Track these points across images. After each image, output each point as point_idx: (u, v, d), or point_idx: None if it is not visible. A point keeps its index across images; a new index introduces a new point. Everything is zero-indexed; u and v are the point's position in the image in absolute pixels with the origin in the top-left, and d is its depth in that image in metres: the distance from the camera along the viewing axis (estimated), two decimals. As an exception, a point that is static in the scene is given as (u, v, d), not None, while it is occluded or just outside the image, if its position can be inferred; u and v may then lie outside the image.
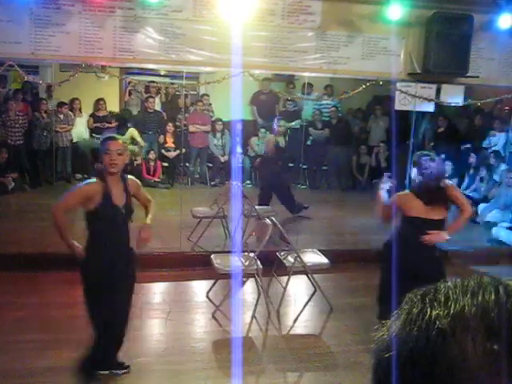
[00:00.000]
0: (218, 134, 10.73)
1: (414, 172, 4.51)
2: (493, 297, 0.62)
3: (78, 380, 3.88)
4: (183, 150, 9.92)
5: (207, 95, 10.98)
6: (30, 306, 5.23)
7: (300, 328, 5.31)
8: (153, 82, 10.06)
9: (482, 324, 0.60)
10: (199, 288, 6.09)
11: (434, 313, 0.62)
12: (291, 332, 5.18)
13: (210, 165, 10.83)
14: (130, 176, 4.04)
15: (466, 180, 9.93)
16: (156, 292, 6.10)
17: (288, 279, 5.43)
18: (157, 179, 10.35)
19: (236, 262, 5.32)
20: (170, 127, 10.57)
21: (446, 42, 6.59)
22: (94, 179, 3.81)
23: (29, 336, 4.62)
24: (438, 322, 0.61)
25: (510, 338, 0.58)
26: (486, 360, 0.58)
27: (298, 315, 5.47)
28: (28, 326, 4.81)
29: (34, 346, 4.47)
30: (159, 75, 11.17)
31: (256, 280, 5.32)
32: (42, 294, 5.54)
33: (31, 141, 9.92)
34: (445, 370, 0.59)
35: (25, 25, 6.02)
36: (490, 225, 8.18)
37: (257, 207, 7.05)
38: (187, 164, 10.59)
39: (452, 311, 0.61)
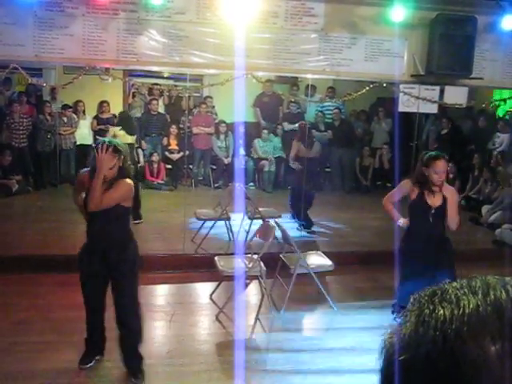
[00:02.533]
0: (222, 136, 10.74)
1: None
2: (504, 296, 0.61)
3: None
4: (187, 152, 9.92)
5: (210, 97, 10.99)
6: (33, 307, 5.23)
7: (304, 330, 5.30)
8: (156, 84, 10.07)
9: (499, 323, 0.59)
10: (203, 290, 6.09)
11: (447, 313, 0.61)
12: (295, 334, 5.17)
13: (214, 167, 10.83)
14: (126, 181, 3.98)
15: (470, 181, 9.92)
16: (159, 294, 6.10)
17: (292, 281, 5.42)
18: (160, 181, 10.36)
19: (239, 264, 5.31)
20: (173, 129, 10.59)
21: (449, 44, 6.58)
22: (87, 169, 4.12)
23: (31, 338, 4.63)
24: (453, 322, 0.60)
25: None
26: (507, 360, 0.57)
27: (302, 317, 5.46)
28: (30, 328, 4.81)
29: (36, 347, 4.47)
30: (163, 77, 11.19)
31: (259, 282, 5.32)
32: (44, 295, 5.54)
33: (35, 143, 9.94)
34: (468, 371, 0.58)
35: (28, 27, 6.03)
36: (493, 226, 8.16)
37: (260, 209, 7.05)
38: (191, 166, 10.61)
39: (467, 311, 0.61)
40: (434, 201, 4.70)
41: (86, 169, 4.17)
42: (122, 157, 3.96)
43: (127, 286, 4.02)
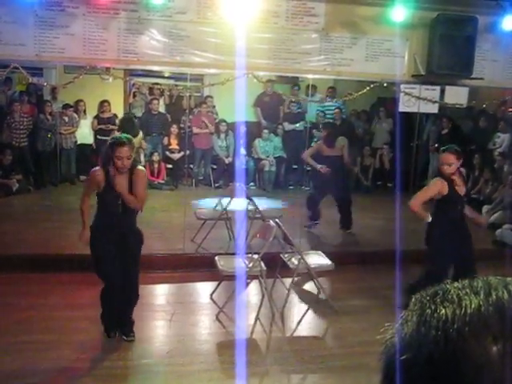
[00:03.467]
0: (222, 136, 10.74)
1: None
2: (506, 296, 0.61)
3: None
4: (187, 152, 9.92)
5: (211, 97, 10.99)
6: (33, 307, 5.24)
7: (304, 330, 5.30)
8: (157, 83, 10.07)
9: (501, 323, 0.59)
10: (203, 289, 6.09)
11: (449, 313, 0.61)
12: (295, 334, 5.17)
13: (214, 166, 10.83)
14: (140, 168, 4.55)
15: (470, 182, 9.91)
16: (160, 293, 6.11)
17: (292, 281, 5.42)
18: (161, 181, 10.36)
19: (240, 264, 5.31)
20: (174, 129, 10.59)
21: (450, 44, 6.58)
22: (98, 167, 4.44)
23: (32, 337, 4.63)
24: (455, 322, 0.60)
25: None
26: (509, 360, 0.57)
27: (302, 317, 5.47)
28: (31, 327, 4.81)
29: (36, 346, 4.47)
30: (163, 77, 11.19)
31: (260, 282, 5.32)
32: (45, 295, 5.54)
33: (36, 142, 9.95)
34: (469, 371, 0.58)
35: (29, 27, 6.04)
36: (494, 226, 8.15)
37: (261, 209, 7.04)
38: (191, 166, 10.60)
39: (469, 311, 0.61)
40: (461, 190, 5.22)
41: (96, 167, 4.45)
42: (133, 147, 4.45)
43: (137, 263, 4.58)
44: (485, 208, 8.82)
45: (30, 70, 6.82)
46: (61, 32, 6.12)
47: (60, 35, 6.12)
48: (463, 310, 0.61)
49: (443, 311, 0.62)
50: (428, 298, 0.65)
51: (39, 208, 8.57)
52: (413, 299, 0.68)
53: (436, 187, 5.12)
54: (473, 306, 0.61)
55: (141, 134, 10.07)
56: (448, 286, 0.66)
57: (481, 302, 0.61)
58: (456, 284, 0.66)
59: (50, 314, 5.08)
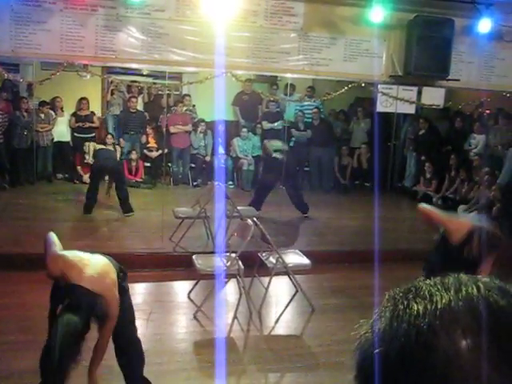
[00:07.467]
0: (201, 135, 10.70)
1: None
2: (476, 292, 0.63)
3: None
4: (165, 150, 9.88)
5: (189, 95, 10.94)
6: (8, 306, 5.17)
7: (281, 328, 5.32)
8: (135, 81, 10.00)
9: (470, 318, 0.61)
10: (181, 288, 6.08)
11: (420, 308, 0.63)
12: (273, 332, 5.19)
13: (193, 165, 10.79)
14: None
15: (447, 181, 10.04)
16: (137, 292, 6.06)
17: (270, 280, 5.43)
18: (139, 179, 10.30)
19: (218, 263, 5.31)
20: (152, 127, 10.52)
21: (427, 45, 6.66)
22: None
23: (6, 337, 4.57)
24: (426, 317, 0.62)
25: (498, 331, 0.60)
26: (477, 354, 0.59)
27: (280, 316, 5.48)
28: (5, 327, 4.75)
29: (11, 347, 4.42)
30: (142, 75, 11.12)
31: (238, 280, 5.32)
32: (19, 294, 5.47)
33: (11, 140, 9.79)
34: (439, 364, 0.60)
35: (5, 22, 5.96)
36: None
37: (239, 208, 7.05)
38: (170, 164, 10.56)
39: (439, 305, 0.63)
40: None
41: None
42: None
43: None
44: (460, 208, 8.94)
45: (5, 66, 6.73)
46: (37, 28, 6.05)
47: (37, 31, 6.05)
48: (434, 305, 0.63)
49: (415, 307, 0.64)
50: (401, 294, 0.67)
51: (15, 206, 8.46)
52: (386, 296, 0.69)
53: None
54: (443, 301, 0.63)
55: None
56: (421, 283, 0.68)
57: (451, 298, 0.63)
58: (428, 281, 0.68)
59: (25, 314, 5.01)
